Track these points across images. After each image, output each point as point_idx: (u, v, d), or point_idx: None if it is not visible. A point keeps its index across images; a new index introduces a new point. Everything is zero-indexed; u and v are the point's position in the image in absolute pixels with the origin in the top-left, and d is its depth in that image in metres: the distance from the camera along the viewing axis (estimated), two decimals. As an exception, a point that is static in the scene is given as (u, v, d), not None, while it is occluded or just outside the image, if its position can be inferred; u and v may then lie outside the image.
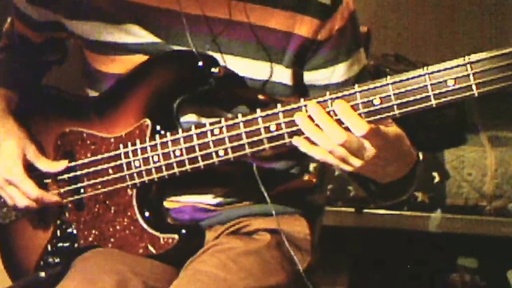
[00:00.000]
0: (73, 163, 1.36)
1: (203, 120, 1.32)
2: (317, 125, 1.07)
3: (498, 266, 2.58)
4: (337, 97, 1.08)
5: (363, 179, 1.22)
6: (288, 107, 1.12)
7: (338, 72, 1.31)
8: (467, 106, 2.65)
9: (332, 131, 1.05)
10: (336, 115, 1.07)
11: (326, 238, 1.59)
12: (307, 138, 1.08)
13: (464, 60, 0.99)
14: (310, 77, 1.32)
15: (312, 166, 1.61)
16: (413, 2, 3.03)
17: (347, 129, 1.05)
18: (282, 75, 1.30)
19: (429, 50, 2.98)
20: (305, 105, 1.10)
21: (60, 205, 1.38)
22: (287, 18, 1.27)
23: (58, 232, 1.39)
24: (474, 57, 0.98)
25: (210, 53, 1.28)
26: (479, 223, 2.45)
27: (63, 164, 1.36)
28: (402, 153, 1.17)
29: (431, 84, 1.01)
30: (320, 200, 1.55)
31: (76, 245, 1.37)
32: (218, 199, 1.37)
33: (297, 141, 1.09)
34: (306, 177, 1.49)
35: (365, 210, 2.48)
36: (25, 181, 1.34)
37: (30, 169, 1.36)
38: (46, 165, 1.36)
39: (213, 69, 1.25)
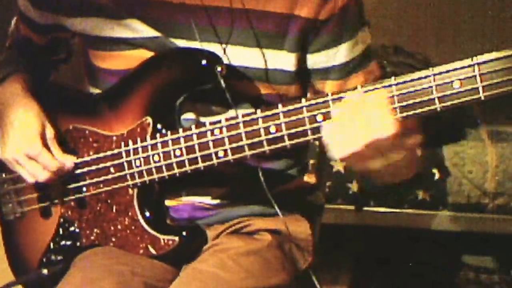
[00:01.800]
0: (78, 160, 1.35)
1: (202, 118, 1.31)
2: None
3: (502, 264, 2.58)
4: (340, 98, 1.07)
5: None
6: (286, 108, 1.12)
7: (341, 52, 1.29)
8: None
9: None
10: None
11: (327, 236, 1.59)
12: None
13: (472, 60, 0.96)
14: (314, 59, 1.30)
15: (310, 164, 1.60)
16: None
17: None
18: (284, 61, 1.29)
19: (429, 41, 2.96)
20: (306, 106, 1.09)
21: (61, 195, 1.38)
22: (286, 0, 1.26)
23: (61, 230, 1.39)
24: (482, 57, 0.96)
25: (211, 44, 1.28)
26: (482, 221, 2.44)
27: (71, 158, 1.35)
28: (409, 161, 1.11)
29: (436, 86, 0.99)
30: (320, 200, 1.54)
31: (78, 243, 1.37)
32: (217, 199, 1.37)
33: (328, 127, 1.05)
34: (306, 177, 1.48)
35: (365, 208, 2.47)
36: (44, 153, 1.33)
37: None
38: (57, 152, 1.35)
39: (216, 67, 1.24)
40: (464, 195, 2.43)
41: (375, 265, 2.62)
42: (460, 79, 0.97)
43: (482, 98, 0.96)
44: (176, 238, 1.28)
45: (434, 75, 0.99)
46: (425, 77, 0.99)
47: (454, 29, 2.99)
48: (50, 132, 1.35)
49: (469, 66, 0.96)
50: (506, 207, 2.43)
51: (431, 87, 0.99)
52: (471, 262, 2.63)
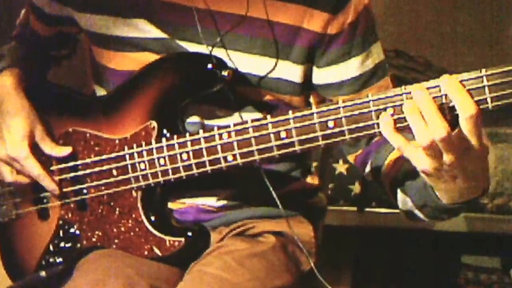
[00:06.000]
0: (78, 162, 1.34)
1: (207, 122, 1.31)
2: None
3: (501, 264, 2.59)
4: (347, 105, 1.07)
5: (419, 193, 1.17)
6: (299, 114, 1.11)
7: (351, 67, 1.29)
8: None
9: (437, 121, 0.97)
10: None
11: (329, 237, 1.59)
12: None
13: (481, 72, 0.98)
14: (325, 74, 1.31)
15: (313, 166, 1.61)
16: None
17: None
18: (289, 71, 1.29)
19: (429, 45, 2.97)
20: (317, 112, 1.09)
21: (59, 197, 1.36)
22: (297, 12, 1.27)
23: (61, 232, 1.38)
24: (490, 70, 0.97)
25: (216, 49, 1.28)
26: (481, 221, 2.45)
27: (66, 150, 1.34)
28: (482, 171, 1.09)
29: (444, 95, 1.00)
30: (322, 202, 1.54)
31: (78, 245, 1.36)
32: (222, 202, 1.37)
33: (384, 120, 1.01)
34: (308, 178, 1.48)
35: (367, 209, 2.49)
36: (29, 158, 1.33)
37: (36, 153, 1.35)
38: (50, 148, 1.35)
39: (222, 72, 1.24)
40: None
41: (376, 265, 2.63)
42: (468, 90, 0.98)
43: (490, 108, 0.99)
44: (182, 239, 1.28)
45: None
46: (435, 86, 1.00)
47: (453, 32, 3.00)
48: (39, 132, 1.34)
49: (478, 77, 0.98)
50: (505, 207, 2.44)
51: (440, 96, 1.00)
52: (470, 262, 2.65)
